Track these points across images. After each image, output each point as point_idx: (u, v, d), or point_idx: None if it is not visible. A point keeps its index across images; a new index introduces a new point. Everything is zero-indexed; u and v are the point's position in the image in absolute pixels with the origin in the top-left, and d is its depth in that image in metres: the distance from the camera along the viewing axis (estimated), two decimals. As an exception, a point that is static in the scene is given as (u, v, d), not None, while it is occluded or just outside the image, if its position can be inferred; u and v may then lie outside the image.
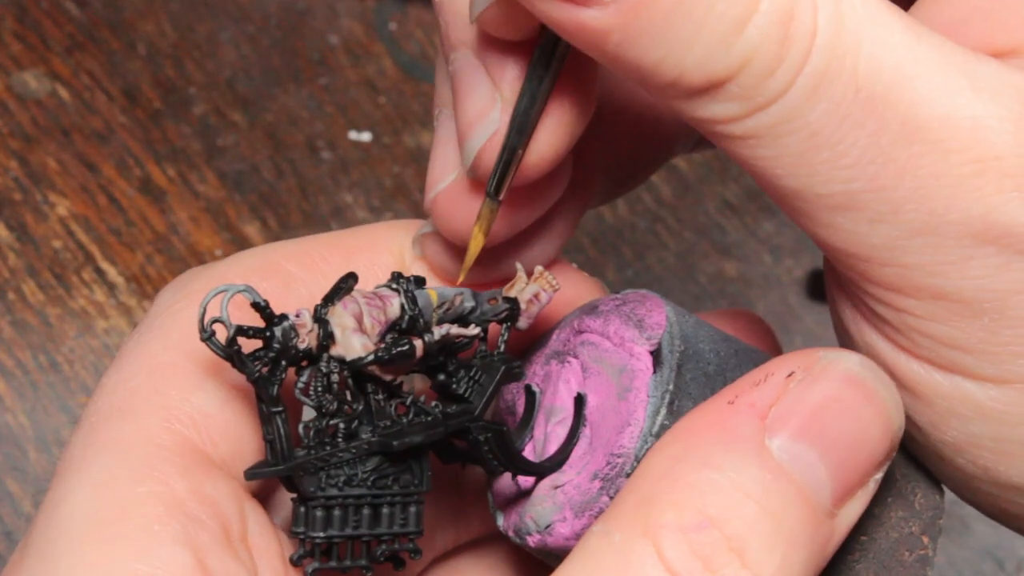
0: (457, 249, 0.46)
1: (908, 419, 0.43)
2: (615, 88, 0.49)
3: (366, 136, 0.88)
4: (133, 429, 0.43)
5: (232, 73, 0.88)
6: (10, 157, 0.83)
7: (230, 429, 0.44)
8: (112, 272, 0.81)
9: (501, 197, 0.44)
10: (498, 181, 0.43)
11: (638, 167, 0.52)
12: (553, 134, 0.43)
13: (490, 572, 0.53)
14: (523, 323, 0.46)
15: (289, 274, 0.46)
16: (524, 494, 0.46)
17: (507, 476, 0.47)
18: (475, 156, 0.43)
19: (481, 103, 0.43)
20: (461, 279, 0.46)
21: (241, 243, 0.83)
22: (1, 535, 0.74)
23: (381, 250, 0.47)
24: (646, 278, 0.85)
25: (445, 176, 0.45)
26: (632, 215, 0.87)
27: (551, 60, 0.42)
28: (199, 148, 0.85)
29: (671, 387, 0.44)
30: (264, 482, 0.46)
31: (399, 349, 0.42)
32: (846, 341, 0.45)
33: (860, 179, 0.39)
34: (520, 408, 0.48)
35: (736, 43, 0.37)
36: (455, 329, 0.44)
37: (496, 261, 0.47)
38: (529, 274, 0.46)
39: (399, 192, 0.86)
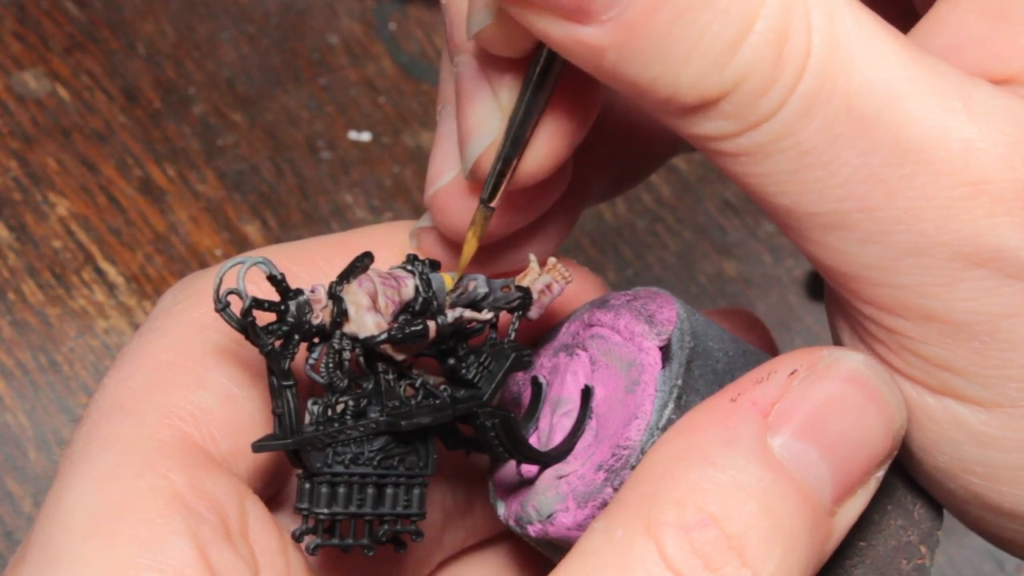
0: (452, 244, 0.47)
1: (902, 446, 0.44)
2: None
3: (366, 136, 0.88)
4: (134, 426, 0.43)
5: (232, 73, 0.88)
6: (10, 157, 0.83)
7: (230, 426, 0.44)
8: (112, 272, 0.81)
9: (494, 205, 0.44)
10: (492, 189, 0.44)
11: (638, 165, 0.53)
12: (547, 146, 0.43)
13: (497, 572, 0.53)
14: (534, 313, 0.46)
15: (291, 274, 0.46)
16: (527, 483, 0.46)
17: (510, 465, 0.47)
18: (473, 163, 0.44)
19: (481, 111, 0.43)
20: (459, 274, 0.46)
21: (241, 243, 0.83)
22: (1, 535, 0.74)
23: (383, 250, 0.47)
24: (646, 278, 0.86)
25: (445, 173, 0.46)
26: (632, 215, 0.87)
27: (547, 75, 0.42)
28: (199, 148, 0.85)
29: (680, 382, 0.44)
30: (270, 479, 0.46)
31: (412, 329, 0.42)
32: None
33: (851, 199, 0.39)
34: (526, 399, 0.48)
35: (730, 63, 0.38)
36: (468, 313, 0.44)
37: (493, 257, 0.48)
38: (542, 265, 0.47)
39: (399, 192, 0.86)
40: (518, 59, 0.42)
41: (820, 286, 0.90)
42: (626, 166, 0.52)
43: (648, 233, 0.87)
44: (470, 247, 0.45)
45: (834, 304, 0.44)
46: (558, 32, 0.38)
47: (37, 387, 0.77)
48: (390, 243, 0.48)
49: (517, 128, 0.43)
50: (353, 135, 0.87)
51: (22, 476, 0.75)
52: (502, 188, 0.44)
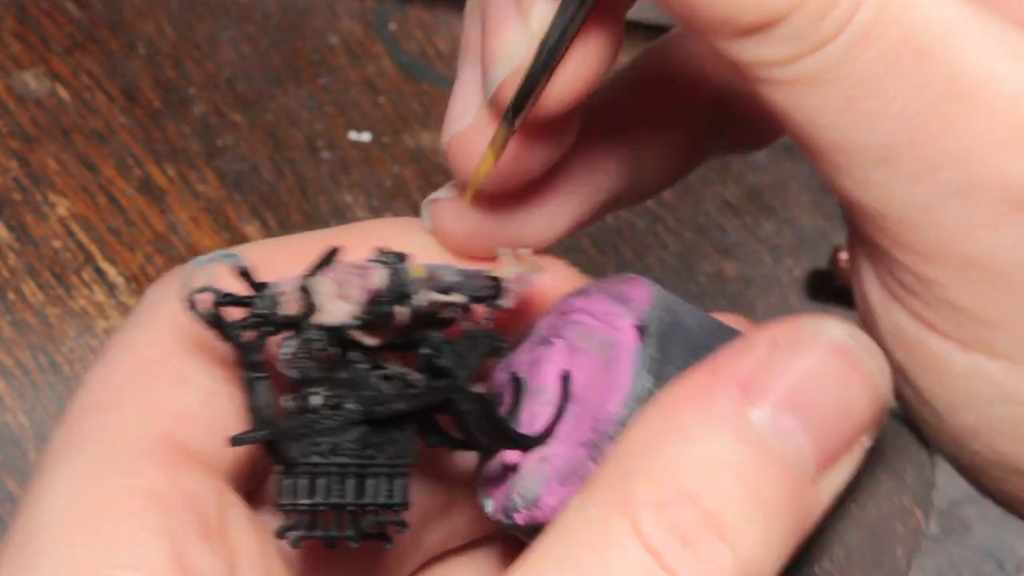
0: (468, 213, 0.46)
1: (926, 404, 0.43)
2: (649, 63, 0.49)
3: (366, 136, 0.88)
4: (114, 423, 0.43)
5: (232, 73, 0.88)
6: (10, 157, 0.83)
7: (212, 425, 0.44)
8: (112, 272, 0.81)
9: (517, 124, 0.44)
10: (515, 108, 0.43)
11: (664, 163, 0.52)
12: (577, 70, 0.42)
13: (484, 574, 0.53)
14: (507, 303, 0.46)
15: (281, 267, 0.46)
16: (511, 472, 0.46)
17: (495, 462, 0.47)
18: (496, 87, 0.43)
19: (511, 35, 0.43)
20: (468, 198, 0.46)
21: (241, 243, 0.83)
22: (1, 535, 0.74)
23: (379, 245, 0.47)
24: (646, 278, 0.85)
25: (463, 117, 0.45)
26: (632, 215, 0.87)
27: None
28: (199, 148, 0.86)
29: (657, 355, 0.44)
30: (251, 476, 0.46)
31: (380, 310, 0.42)
32: (869, 320, 0.44)
33: (902, 132, 0.38)
34: (508, 400, 0.48)
35: None
36: (439, 296, 0.44)
37: (500, 227, 0.47)
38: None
39: (399, 192, 0.86)
40: None
41: (820, 286, 0.89)
42: (652, 161, 0.51)
43: (648, 233, 0.87)
44: (487, 164, 0.44)
45: (865, 266, 0.43)
46: None
47: (37, 387, 0.77)
48: (386, 238, 0.48)
49: (549, 50, 0.42)
50: (353, 135, 0.87)
51: (22, 476, 0.75)
52: (526, 109, 0.43)
